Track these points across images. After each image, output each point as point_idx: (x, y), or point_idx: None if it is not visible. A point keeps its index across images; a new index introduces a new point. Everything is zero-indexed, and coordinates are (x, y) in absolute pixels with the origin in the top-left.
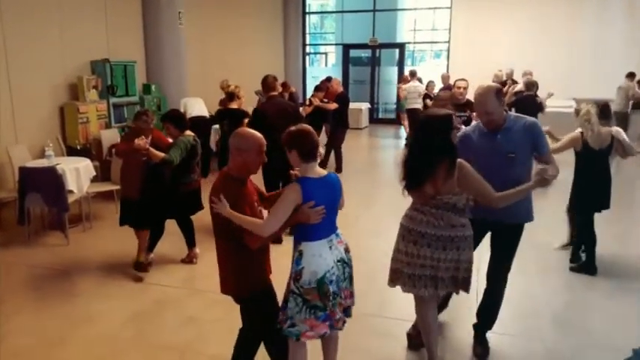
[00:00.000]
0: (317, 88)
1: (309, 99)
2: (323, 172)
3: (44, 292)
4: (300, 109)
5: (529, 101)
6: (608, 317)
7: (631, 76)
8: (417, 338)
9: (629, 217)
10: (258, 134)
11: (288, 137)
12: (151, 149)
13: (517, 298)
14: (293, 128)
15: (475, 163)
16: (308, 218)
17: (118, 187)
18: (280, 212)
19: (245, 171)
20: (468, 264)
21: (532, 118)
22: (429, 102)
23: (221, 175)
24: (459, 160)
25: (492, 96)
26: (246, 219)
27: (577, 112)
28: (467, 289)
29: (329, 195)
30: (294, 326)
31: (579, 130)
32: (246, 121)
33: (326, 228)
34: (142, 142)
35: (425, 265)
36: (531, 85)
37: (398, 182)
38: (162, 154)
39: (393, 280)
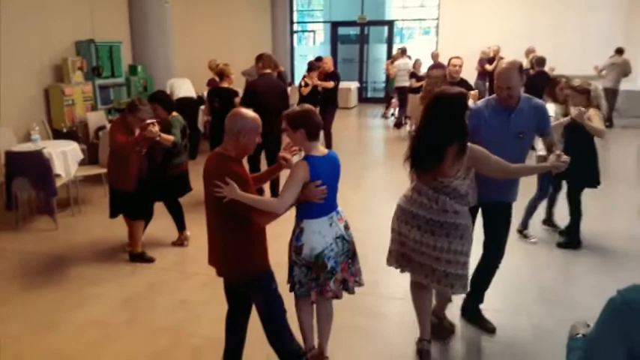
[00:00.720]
0: (310, 69)
1: (304, 80)
2: (325, 150)
3: (34, 278)
4: (288, 88)
5: (542, 78)
6: (592, 291)
7: (621, 52)
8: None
9: (612, 194)
10: (255, 115)
11: (294, 117)
12: (163, 134)
13: (503, 274)
14: (297, 108)
15: (483, 139)
16: (314, 196)
17: (105, 170)
18: (293, 189)
19: (242, 152)
20: (462, 257)
21: (539, 100)
22: (414, 82)
23: (218, 156)
24: (469, 144)
25: (516, 71)
26: (258, 198)
27: (584, 91)
28: (463, 290)
29: (331, 173)
30: (302, 286)
31: (588, 108)
32: (238, 100)
33: (327, 205)
34: (154, 129)
35: (415, 249)
36: (541, 62)
37: (403, 162)
38: (172, 138)
39: (389, 260)
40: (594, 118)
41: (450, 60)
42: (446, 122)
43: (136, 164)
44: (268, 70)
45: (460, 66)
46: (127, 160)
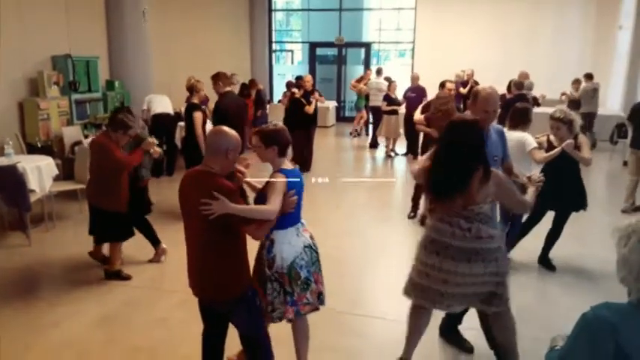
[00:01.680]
0: (297, 86)
1: (296, 97)
2: (291, 165)
3: (6, 296)
4: (267, 106)
5: (520, 101)
6: (567, 311)
7: (592, 77)
8: None
9: (585, 217)
10: (236, 132)
11: (267, 134)
12: (155, 148)
13: None
14: (272, 126)
15: None
16: (289, 206)
17: (81, 186)
18: (278, 198)
19: (227, 169)
20: (495, 277)
21: (499, 125)
22: (385, 105)
23: (202, 174)
24: (492, 169)
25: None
26: (250, 208)
27: (569, 121)
28: (497, 305)
29: (299, 185)
30: (275, 311)
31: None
32: (197, 114)
33: (295, 216)
34: (155, 141)
35: (448, 280)
36: (520, 85)
37: (424, 193)
38: (159, 150)
39: (408, 292)
40: (584, 148)
41: (444, 83)
42: (469, 149)
43: (126, 182)
44: (229, 88)
45: (453, 89)
46: (120, 178)
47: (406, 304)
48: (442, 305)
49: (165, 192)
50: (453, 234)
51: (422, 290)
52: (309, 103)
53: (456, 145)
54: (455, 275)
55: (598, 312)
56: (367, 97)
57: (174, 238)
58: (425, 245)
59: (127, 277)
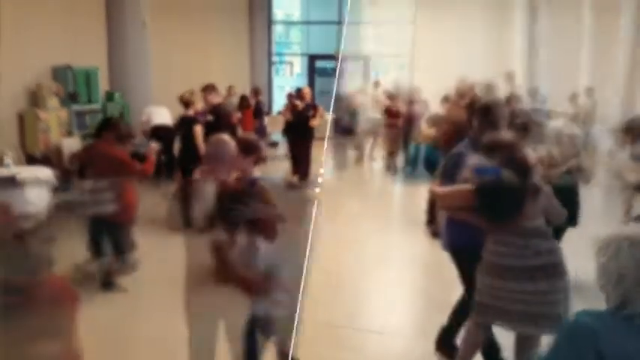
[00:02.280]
0: (298, 97)
1: (299, 109)
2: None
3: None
4: (265, 118)
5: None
6: None
7: (592, 91)
8: None
9: (578, 230)
10: None
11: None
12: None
13: None
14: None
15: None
16: None
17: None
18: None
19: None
20: (564, 294)
21: None
22: (387, 118)
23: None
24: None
25: None
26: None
27: (570, 136)
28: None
29: None
30: None
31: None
32: (198, 128)
33: None
34: (156, 146)
35: (515, 299)
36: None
37: (474, 216)
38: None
39: (480, 314)
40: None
41: (447, 97)
42: (516, 171)
43: (136, 191)
44: (220, 99)
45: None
46: (133, 187)
47: (405, 317)
48: (509, 325)
49: (164, 202)
50: (513, 254)
51: (491, 311)
52: (312, 115)
53: (504, 168)
54: (522, 294)
55: (579, 318)
56: None
57: (173, 247)
58: (486, 270)
59: (124, 290)
